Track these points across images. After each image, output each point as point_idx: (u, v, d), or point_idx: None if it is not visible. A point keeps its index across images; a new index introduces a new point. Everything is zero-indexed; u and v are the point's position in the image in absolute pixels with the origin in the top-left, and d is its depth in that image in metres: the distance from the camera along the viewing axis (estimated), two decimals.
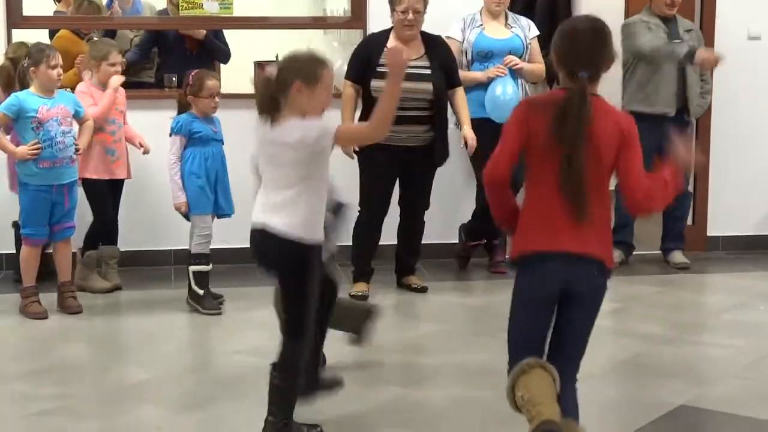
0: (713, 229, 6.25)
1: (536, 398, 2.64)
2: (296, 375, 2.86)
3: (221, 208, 4.67)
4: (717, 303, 5.51)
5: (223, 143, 4.68)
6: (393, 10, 4.89)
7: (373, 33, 5.19)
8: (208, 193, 4.60)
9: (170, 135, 4.54)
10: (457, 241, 5.40)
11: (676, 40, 5.39)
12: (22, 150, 4.32)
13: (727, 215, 6.18)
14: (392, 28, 4.90)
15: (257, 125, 2.86)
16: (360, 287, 4.82)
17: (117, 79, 4.78)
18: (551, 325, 2.46)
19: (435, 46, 4.87)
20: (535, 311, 2.53)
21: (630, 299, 5.18)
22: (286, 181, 2.79)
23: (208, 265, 4.62)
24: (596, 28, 2.43)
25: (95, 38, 5.55)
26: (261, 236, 2.82)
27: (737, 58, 5.77)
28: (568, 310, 2.53)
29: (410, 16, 4.84)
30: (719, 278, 5.91)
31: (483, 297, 5.16)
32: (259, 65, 5.06)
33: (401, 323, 4.76)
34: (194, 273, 4.56)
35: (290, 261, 2.79)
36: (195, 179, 4.53)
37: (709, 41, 5.52)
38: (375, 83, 4.59)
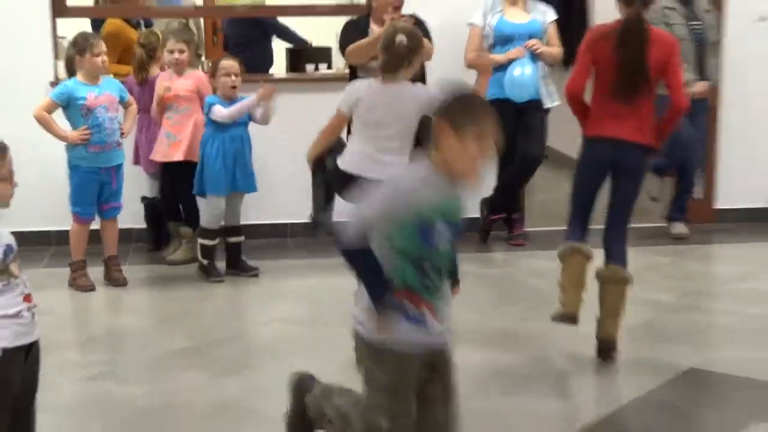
0: (722, 202, 6.11)
1: (567, 284, 3.64)
2: None
3: (240, 187, 4.66)
4: (725, 272, 5.42)
5: (247, 125, 4.60)
6: None
7: (351, 20, 5.03)
8: (223, 176, 4.57)
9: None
10: (478, 215, 5.31)
11: (695, 22, 5.24)
12: (73, 135, 4.26)
13: (735, 188, 6.03)
14: (369, 14, 4.78)
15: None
16: None
17: (165, 88, 4.65)
18: (600, 187, 3.37)
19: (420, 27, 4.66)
20: (589, 174, 3.54)
21: (641, 269, 5.01)
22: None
23: (215, 240, 4.65)
24: None
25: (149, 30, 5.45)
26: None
27: (747, 36, 5.63)
28: (617, 180, 3.47)
29: None
30: (728, 249, 5.78)
31: (503, 268, 5.15)
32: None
33: None
34: (201, 246, 4.61)
35: None
36: (212, 162, 4.52)
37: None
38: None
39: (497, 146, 2.33)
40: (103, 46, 4.46)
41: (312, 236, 4.99)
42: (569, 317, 3.61)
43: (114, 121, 4.45)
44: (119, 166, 4.55)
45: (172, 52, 4.57)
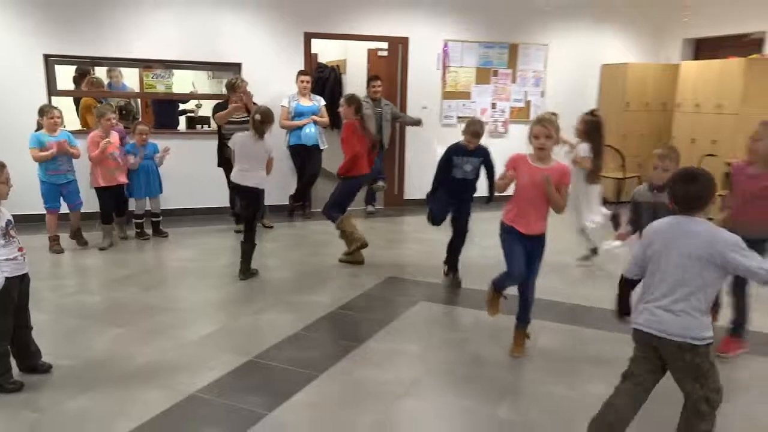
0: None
1: (351, 229, 5.05)
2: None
3: (154, 193, 6.15)
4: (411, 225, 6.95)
5: (153, 160, 6.04)
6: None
7: (219, 102, 6.37)
8: (144, 187, 6.02)
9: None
10: (287, 203, 7.28)
11: (378, 109, 7.25)
12: (42, 156, 5.30)
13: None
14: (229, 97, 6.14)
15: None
16: None
17: (105, 144, 5.53)
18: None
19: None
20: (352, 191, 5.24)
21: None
22: None
23: (142, 219, 6.13)
24: None
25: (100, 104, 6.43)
26: None
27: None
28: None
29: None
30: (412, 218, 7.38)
31: (300, 230, 6.79)
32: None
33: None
34: (135, 223, 6.11)
35: None
36: (138, 181, 5.95)
37: None
38: None
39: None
40: (56, 112, 5.44)
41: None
42: (364, 245, 5.26)
43: (64, 158, 5.45)
44: (69, 182, 5.60)
45: (108, 119, 5.62)
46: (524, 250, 3.54)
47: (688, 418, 2.42)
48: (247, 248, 5.08)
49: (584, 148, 5.26)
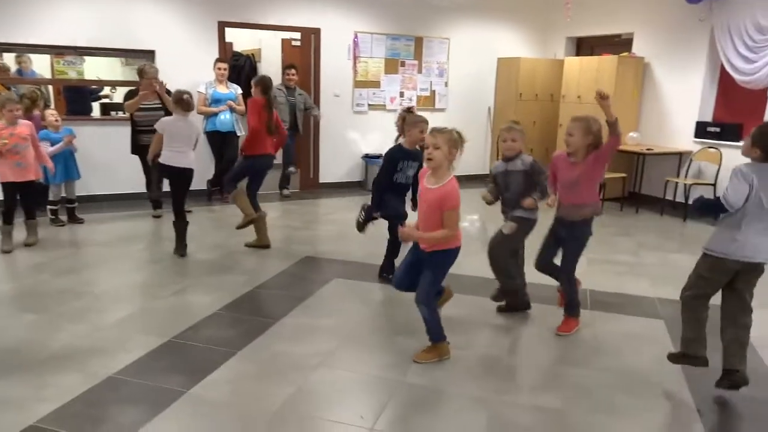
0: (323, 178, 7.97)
1: (244, 206, 4.85)
2: None
3: (71, 176, 5.87)
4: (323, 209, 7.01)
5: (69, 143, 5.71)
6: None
7: (131, 90, 6.02)
8: (61, 172, 5.71)
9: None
10: (205, 188, 7.14)
11: (291, 98, 7.16)
12: None
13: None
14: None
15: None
16: None
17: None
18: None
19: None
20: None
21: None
22: None
23: (57, 206, 5.86)
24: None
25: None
26: None
27: (330, 104, 7.78)
28: (256, 178, 5.18)
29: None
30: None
31: (219, 213, 6.67)
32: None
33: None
34: (50, 210, 5.91)
35: None
36: (55, 166, 5.47)
37: None
38: None
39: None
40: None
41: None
42: (254, 219, 5.08)
43: None
44: None
45: (11, 110, 4.92)
46: (415, 260, 3.25)
47: (741, 314, 3.01)
48: (181, 226, 5.07)
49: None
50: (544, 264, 3.82)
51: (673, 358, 3.25)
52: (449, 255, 3.17)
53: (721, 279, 3.00)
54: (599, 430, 2.74)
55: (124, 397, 2.86)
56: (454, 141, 3.02)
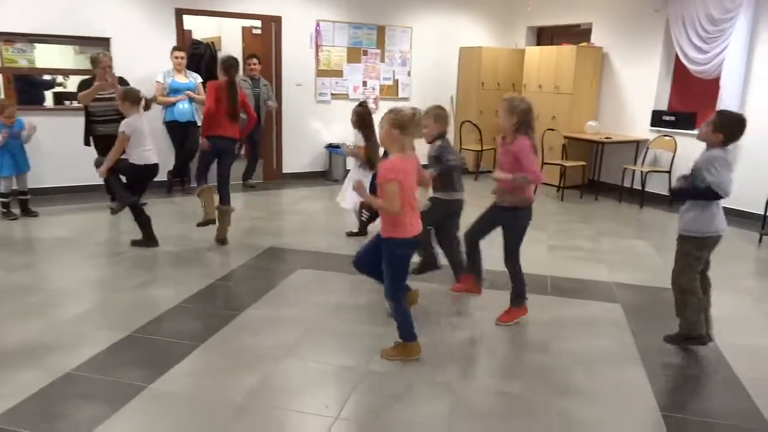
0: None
1: (206, 203, 4.77)
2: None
3: (21, 169, 5.79)
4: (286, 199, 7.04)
5: (20, 139, 5.68)
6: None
7: (84, 80, 5.80)
8: (11, 165, 5.68)
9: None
10: (166, 179, 6.94)
11: (256, 88, 7.05)
12: None
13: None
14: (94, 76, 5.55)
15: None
16: None
17: None
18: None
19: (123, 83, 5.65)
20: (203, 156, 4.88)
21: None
22: None
23: (8, 198, 5.76)
24: None
25: None
26: None
27: (292, 94, 7.75)
28: (221, 160, 4.89)
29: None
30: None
31: (180, 204, 6.54)
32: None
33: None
34: (1, 203, 5.77)
35: None
36: (2, 159, 5.62)
37: None
38: None
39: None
40: None
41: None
42: (211, 221, 5.00)
43: None
44: None
45: None
46: (377, 243, 3.24)
47: (709, 288, 3.40)
48: (145, 220, 5.02)
49: (359, 137, 5.23)
50: (469, 238, 3.92)
51: (674, 339, 3.42)
52: (397, 245, 3.08)
53: (706, 255, 3.28)
54: (560, 413, 2.81)
55: (83, 394, 2.80)
56: (389, 119, 3.01)
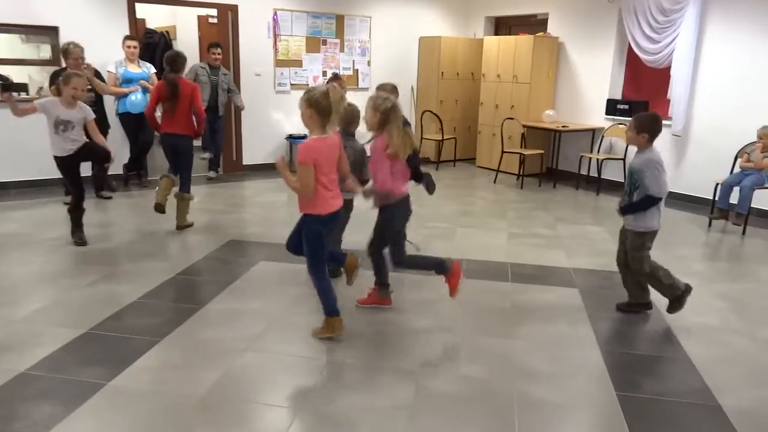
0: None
1: (160, 191, 4.84)
2: None
3: None
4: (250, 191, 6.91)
5: None
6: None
7: (56, 71, 5.77)
8: None
9: None
10: (122, 172, 6.88)
11: (214, 77, 6.95)
12: None
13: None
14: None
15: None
16: None
17: None
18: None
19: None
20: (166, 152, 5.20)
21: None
22: None
23: None
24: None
25: None
26: None
27: (250, 83, 7.68)
28: (177, 156, 4.99)
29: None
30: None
31: (138, 198, 6.44)
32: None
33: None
34: None
35: None
36: None
37: None
38: None
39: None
40: None
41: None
42: (159, 206, 5.03)
43: None
44: None
45: None
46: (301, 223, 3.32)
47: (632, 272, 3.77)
48: (78, 214, 4.93)
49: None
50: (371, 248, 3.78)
51: (672, 308, 3.80)
52: (312, 221, 3.17)
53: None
54: (520, 395, 2.87)
55: (38, 393, 2.72)
56: (304, 99, 3.04)
